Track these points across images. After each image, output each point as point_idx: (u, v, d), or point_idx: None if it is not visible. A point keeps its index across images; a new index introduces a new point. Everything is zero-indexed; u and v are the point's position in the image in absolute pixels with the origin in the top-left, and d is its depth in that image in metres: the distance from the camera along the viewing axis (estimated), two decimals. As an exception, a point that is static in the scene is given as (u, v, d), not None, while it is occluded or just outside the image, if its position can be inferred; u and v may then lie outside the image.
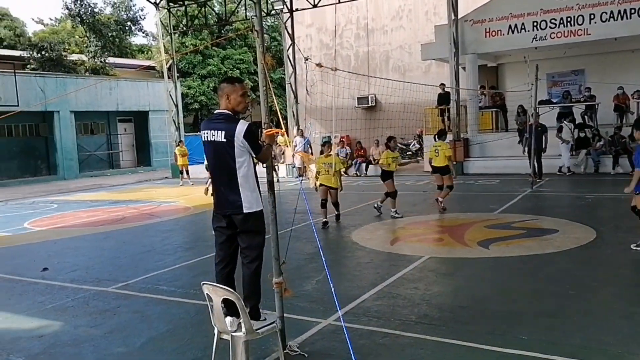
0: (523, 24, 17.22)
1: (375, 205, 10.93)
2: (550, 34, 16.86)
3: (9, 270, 7.82)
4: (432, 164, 10.91)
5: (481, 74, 19.74)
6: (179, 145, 20.63)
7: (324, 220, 9.86)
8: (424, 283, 6.23)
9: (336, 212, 10.30)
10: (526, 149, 14.84)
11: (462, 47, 18.14)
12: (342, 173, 10.96)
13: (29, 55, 30.76)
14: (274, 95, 4.28)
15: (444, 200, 10.69)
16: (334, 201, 10.13)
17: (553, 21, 16.78)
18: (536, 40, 17.08)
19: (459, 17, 18.14)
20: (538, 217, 9.60)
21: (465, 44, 18.19)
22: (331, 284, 4.25)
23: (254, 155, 4.15)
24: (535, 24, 17.04)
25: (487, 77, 21.48)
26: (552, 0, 16.64)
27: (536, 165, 14.21)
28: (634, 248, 7.00)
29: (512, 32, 17.44)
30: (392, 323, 4.94)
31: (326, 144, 10.88)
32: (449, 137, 17.88)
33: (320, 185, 9.69)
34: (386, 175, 10.58)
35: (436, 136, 11.21)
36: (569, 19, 16.58)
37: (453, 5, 17.89)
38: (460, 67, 18.41)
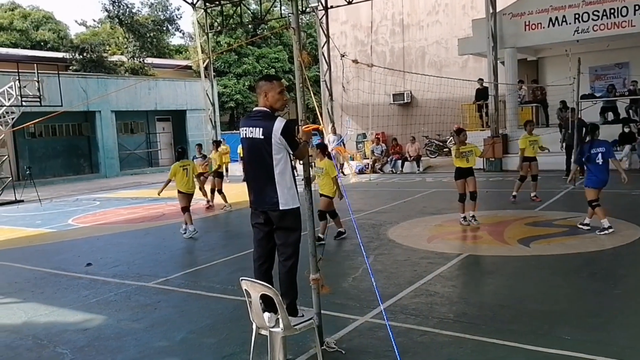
0: (564, 16, 16.75)
1: (468, 220, 9.06)
2: (592, 27, 16.35)
3: (55, 265, 8.09)
4: (527, 154, 11.14)
5: (521, 68, 19.31)
6: (220, 143, 19.89)
7: (320, 236, 8.23)
8: (462, 281, 6.15)
9: (338, 229, 8.69)
10: (564, 144, 14.45)
11: (501, 41, 17.79)
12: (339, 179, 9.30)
13: (71, 56, 31.69)
14: (311, 93, 4.29)
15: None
16: (328, 209, 8.53)
17: (596, 13, 16.27)
18: (578, 33, 16.59)
19: (497, 10, 17.78)
20: (581, 214, 9.32)
21: (504, 37, 17.82)
22: (373, 280, 4.24)
23: (291, 153, 4.17)
24: (577, 16, 16.56)
25: (527, 71, 20.99)
26: (594, -8, 16.16)
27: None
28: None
29: (553, 24, 16.98)
30: (430, 321, 4.89)
31: (318, 147, 8.82)
32: (487, 132, 17.63)
33: (321, 195, 8.45)
34: (463, 173, 9.02)
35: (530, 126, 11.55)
36: (612, 11, 16.04)
37: (491, -1, 17.55)
38: (498, 61, 18.05)
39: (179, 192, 9.87)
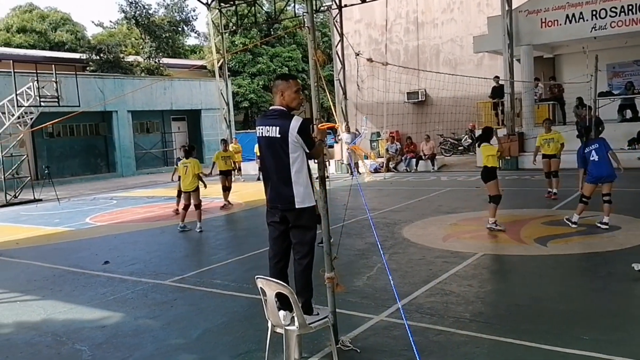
0: (581, 13, 16.55)
1: (494, 227, 8.48)
2: (610, 23, 16.13)
3: (73, 263, 8.20)
4: (543, 152, 11.37)
5: (537, 66, 19.12)
6: (231, 142, 20.24)
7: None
8: (478, 280, 6.11)
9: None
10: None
11: (517, 38, 17.63)
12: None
13: (88, 57, 32.04)
14: (327, 91, 4.29)
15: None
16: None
17: (613, 9, 16.05)
18: (595, 30, 16.38)
19: (513, 7, 17.63)
20: (599, 213, 9.20)
21: (520, 35, 17.66)
22: (390, 278, 4.23)
23: (307, 151, 4.18)
24: (594, 12, 16.35)
25: (544, 68, 20.78)
26: (612, -12, 15.94)
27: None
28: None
29: (570, 21, 16.79)
30: (446, 320, 4.87)
31: None
32: (503, 131, 17.49)
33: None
34: (490, 175, 8.60)
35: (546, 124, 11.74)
36: (630, 7, 15.81)
37: (507, -4, 17.41)
38: (514, 59, 17.90)
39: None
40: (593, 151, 8.12)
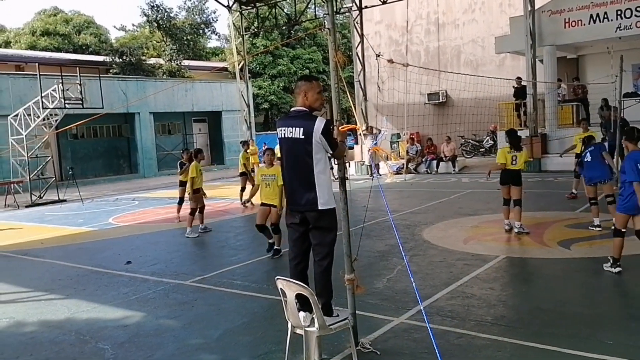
0: (606, 12, 16.27)
1: (520, 230, 8.37)
2: (636, 23, 15.82)
3: (96, 263, 8.32)
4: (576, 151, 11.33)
5: (560, 66, 18.85)
6: (248, 144, 20.29)
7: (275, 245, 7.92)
8: (499, 283, 6.05)
9: (270, 240, 7.99)
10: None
11: (539, 38, 17.40)
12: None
13: (111, 60, 32.51)
14: (347, 93, 4.29)
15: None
16: (274, 222, 7.87)
17: (639, 9, 15.74)
18: (620, 30, 16.09)
19: (536, 7, 17.40)
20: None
21: (543, 35, 17.43)
22: (412, 280, 4.21)
23: (330, 152, 4.16)
24: (619, 12, 16.06)
25: (567, 69, 20.48)
26: (638, -13, 15.64)
27: (620, 162, 13.41)
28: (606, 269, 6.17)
29: (594, 21, 16.52)
30: (467, 323, 4.83)
31: (267, 151, 8.30)
32: (525, 132, 17.28)
33: (261, 204, 8.02)
34: (516, 178, 8.48)
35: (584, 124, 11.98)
36: (657, 6, 15.51)
37: (529, -4, 17.20)
38: (537, 59, 17.67)
39: None
40: (587, 153, 8.43)
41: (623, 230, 6.02)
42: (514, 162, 8.39)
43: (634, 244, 7.20)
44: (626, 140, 6.21)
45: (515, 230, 8.39)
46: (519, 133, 9.42)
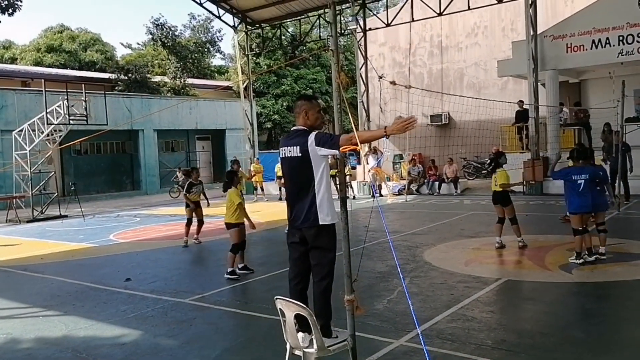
0: (608, 38, 16.41)
1: (521, 243, 8.91)
2: (637, 49, 15.94)
3: (95, 280, 8.28)
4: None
5: (562, 91, 18.95)
6: (253, 162, 20.86)
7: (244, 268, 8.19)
8: (500, 306, 6.00)
9: (241, 264, 8.17)
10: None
11: (542, 63, 17.53)
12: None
13: (117, 77, 32.81)
14: (350, 113, 4.31)
15: None
16: (243, 241, 8.18)
17: (641, 35, 15.88)
18: (622, 55, 16.21)
19: (538, 32, 17.57)
20: (626, 241, 9.02)
21: (545, 59, 17.57)
22: (410, 302, 4.17)
23: (338, 151, 4.02)
24: (621, 38, 16.19)
25: (569, 93, 20.59)
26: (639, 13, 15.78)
27: (622, 187, 13.37)
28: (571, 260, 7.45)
29: (596, 46, 16.65)
30: (467, 347, 4.78)
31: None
32: (527, 155, 17.31)
33: (238, 225, 8.13)
34: (506, 198, 9.00)
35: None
36: (658, 32, 15.63)
37: (532, 21, 17.36)
38: (539, 83, 17.77)
39: None
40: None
41: (580, 228, 7.44)
42: (496, 184, 9.02)
43: (636, 270, 7.17)
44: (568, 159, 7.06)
45: (520, 245, 8.91)
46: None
